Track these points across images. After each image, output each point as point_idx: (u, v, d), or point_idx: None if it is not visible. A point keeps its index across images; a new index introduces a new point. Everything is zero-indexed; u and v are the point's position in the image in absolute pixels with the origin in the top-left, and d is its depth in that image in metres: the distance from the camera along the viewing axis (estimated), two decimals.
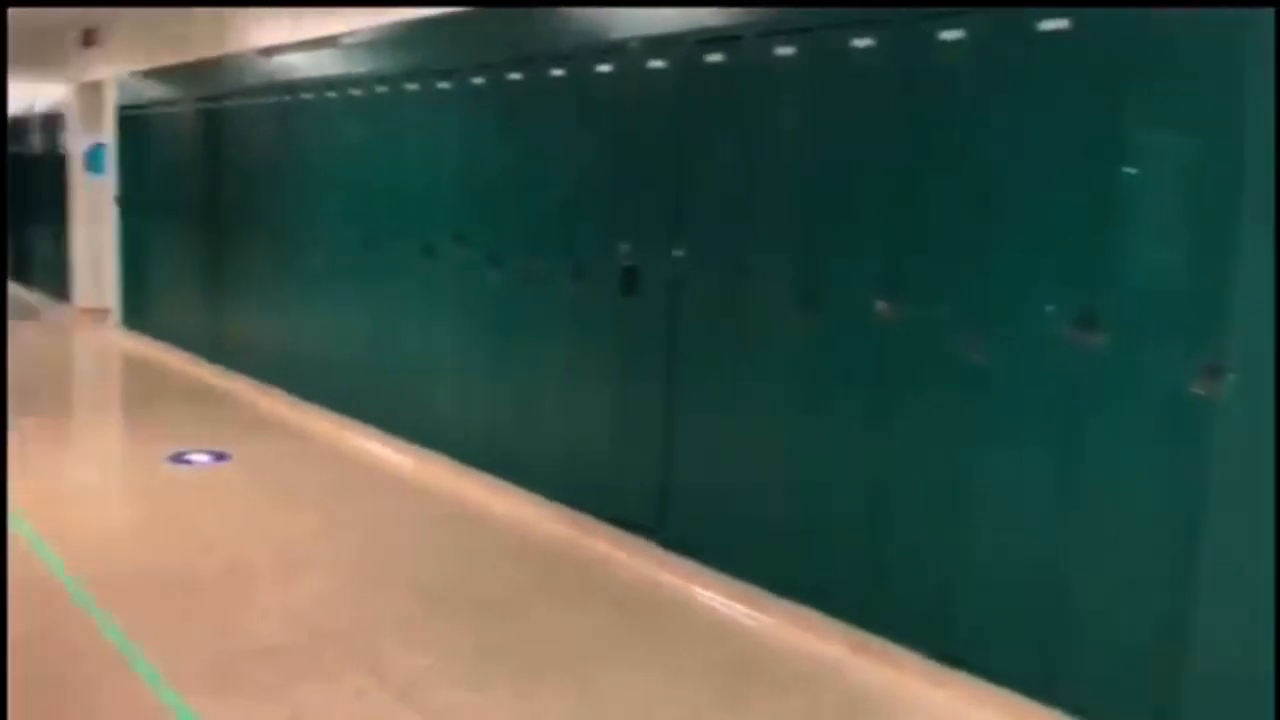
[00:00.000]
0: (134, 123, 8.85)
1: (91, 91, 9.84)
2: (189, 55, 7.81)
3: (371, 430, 5.97)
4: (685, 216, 4.10)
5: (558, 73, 4.64)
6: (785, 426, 3.74)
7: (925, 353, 3.27)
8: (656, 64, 4.19)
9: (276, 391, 6.91)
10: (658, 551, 4.19)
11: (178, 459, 5.42)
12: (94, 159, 9.91)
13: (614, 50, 4.35)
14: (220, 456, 5.51)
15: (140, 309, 8.98)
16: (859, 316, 3.44)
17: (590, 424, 4.56)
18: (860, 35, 3.43)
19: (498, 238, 5.02)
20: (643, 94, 4.26)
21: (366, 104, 5.90)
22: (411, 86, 5.50)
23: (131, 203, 9.01)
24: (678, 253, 4.10)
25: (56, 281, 10.86)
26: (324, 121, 6.32)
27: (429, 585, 3.90)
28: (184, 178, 8.13)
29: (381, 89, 5.73)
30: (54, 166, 10.76)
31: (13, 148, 12.31)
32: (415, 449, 5.57)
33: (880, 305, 3.37)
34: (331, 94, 6.18)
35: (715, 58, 3.96)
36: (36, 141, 11.42)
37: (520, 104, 4.87)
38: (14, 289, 12.11)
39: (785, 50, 3.69)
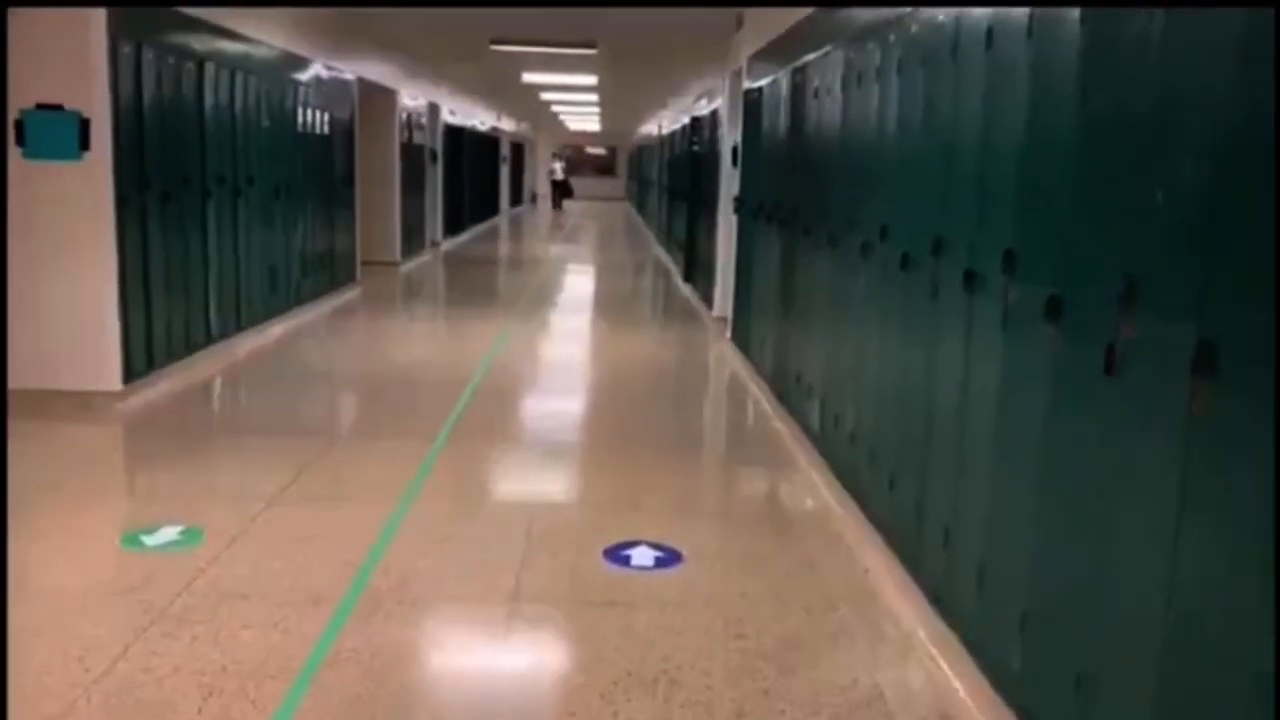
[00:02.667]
0: (751, 110, 7.69)
1: (735, 80, 8.99)
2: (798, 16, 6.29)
3: (879, 543, 3.90)
4: None
5: None
6: None
7: None
8: None
9: (809, 449, 5.15)
10: None
11: (617, 554, 3.95)
12: (734, 154, 9.06)
13: None
14: (668, 558, 3.91)
15: (743, 324, 7.85)
16: None
17: (1215, 674, 1.96)
18: None
19: (1066, 267, 2.57)
20: None
21: (924, 49, 3.77)
22: (979, 12, 3.24)
23: (743, 204, 7.90)
24: None
25: (707, 286, 10.39)
26: (881, 82, 4.30)
27: None
28: (771, 173, 6.72)
29: (943, 18, 3.54)
30: (712, 165, 10.26)
31: (693, 148, 12.29)
32: (924, 603, 3.36)
33: None
34: (891, 37, 4.14)
35: None
36: (705, 139, 11.09)
37: (1117, 25, 2.36)
38: (686, 290, 12.08)
39: None
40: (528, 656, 3.24)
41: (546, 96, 21.29)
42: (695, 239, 11.66)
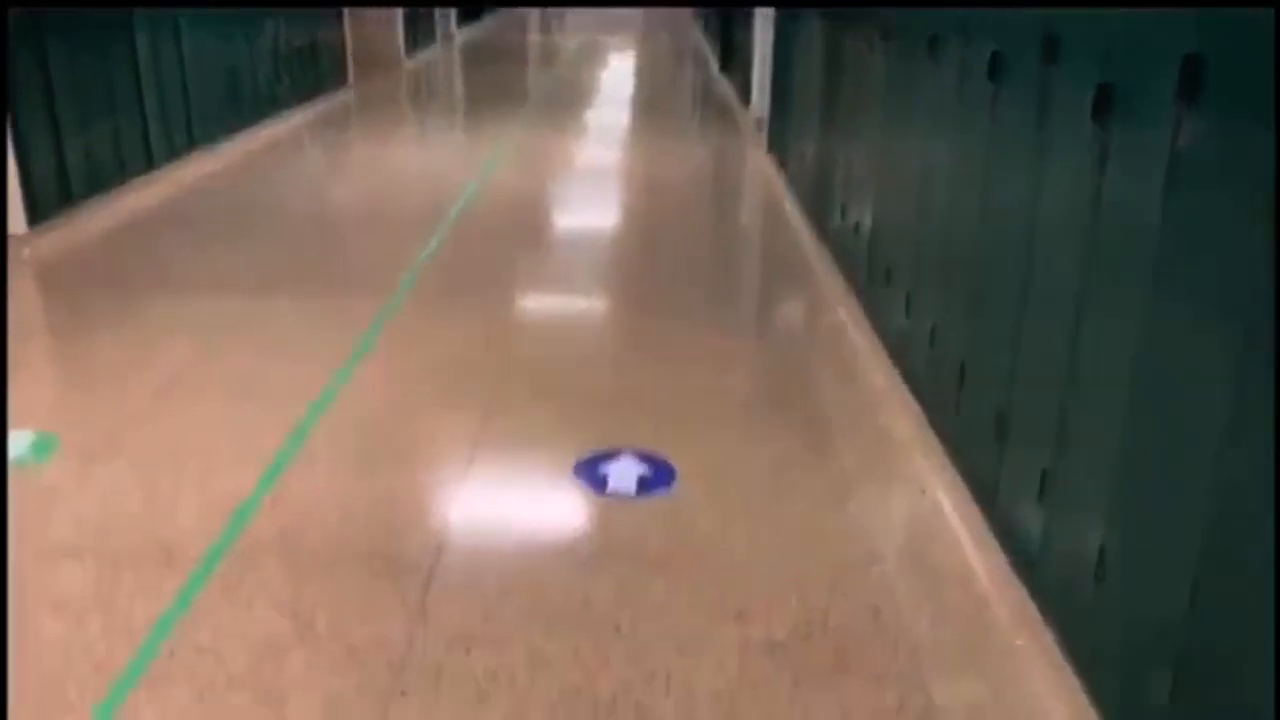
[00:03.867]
0: None
1: None
2: None
3: (940, 452, 2.90)
4: None
5: None
6: None
7: None
8: None
9: (855, 310, 4.10)
10: None
11: (592, 470, 2.99)
12: None
13: None
14: (657, 479, 2.95)
15: (781, 134, 6.59)
16: None
17: None
18: None
19: None
20: None
21: None
22: None
23: None
24: None
25: (745, 77, 9.00)
26: None
27: None
28: None
29: None
30: None
31: None
32: (1004, 562, 2.38)
33: None
34: None
35: None
36: None
37: None
38: (724, 83, 10.64)
39: None
40: (438, 653, 2.32)
41: None
42: (731, 21, 10.13)
